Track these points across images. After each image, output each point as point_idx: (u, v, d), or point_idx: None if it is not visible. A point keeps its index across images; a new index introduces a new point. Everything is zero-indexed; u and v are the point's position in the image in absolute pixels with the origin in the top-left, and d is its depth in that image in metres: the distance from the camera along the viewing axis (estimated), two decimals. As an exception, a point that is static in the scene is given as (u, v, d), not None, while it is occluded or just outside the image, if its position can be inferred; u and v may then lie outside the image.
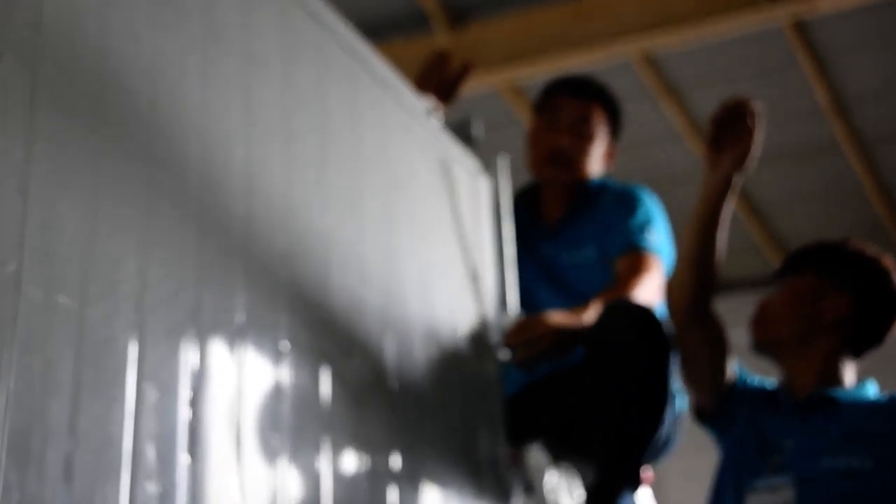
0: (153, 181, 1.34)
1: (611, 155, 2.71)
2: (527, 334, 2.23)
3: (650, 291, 2.36)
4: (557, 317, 2.24)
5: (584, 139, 2.64)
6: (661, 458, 2.35)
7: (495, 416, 2.22)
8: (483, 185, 2.38)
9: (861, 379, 2.13)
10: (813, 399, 2.07)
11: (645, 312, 2.18)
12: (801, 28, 4.96)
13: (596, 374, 2.15)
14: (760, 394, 2.16)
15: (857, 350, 2.11)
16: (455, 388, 2.08)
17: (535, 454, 2.28)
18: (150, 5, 1.40)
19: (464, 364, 2.15)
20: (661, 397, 2.12)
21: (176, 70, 1.43)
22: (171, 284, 1.34)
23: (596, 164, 2.66)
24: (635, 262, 2.42)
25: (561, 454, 2.31)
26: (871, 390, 2.09)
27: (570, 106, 2.65)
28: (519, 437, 2.32)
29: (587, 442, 2.18)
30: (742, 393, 2.16)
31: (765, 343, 2.13)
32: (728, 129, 2.02)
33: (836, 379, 2.08)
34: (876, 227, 6.81)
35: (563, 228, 2.63)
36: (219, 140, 1.50)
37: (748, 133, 2.00)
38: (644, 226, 2.50)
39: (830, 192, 6.52)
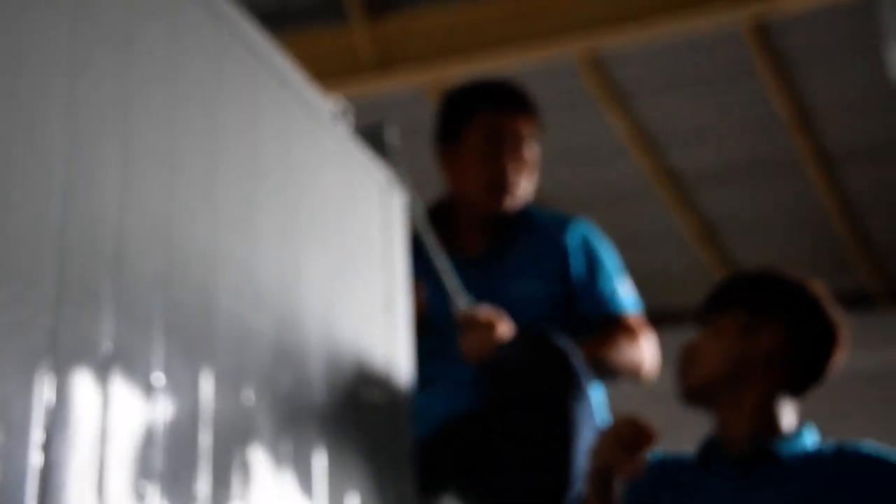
0: (5, 182, 1.31)
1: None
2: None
3: (650, 351, 2.65)
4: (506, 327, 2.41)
5: (528, 164, 2.68)
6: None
7: (403, 461, 2.21)
8: (396, 199, 2.37)
9: (800, 422, 2.15)
10: (750, 455, 2.07)
11: (547, 341, 2.23)
12: (762, 31, 5.05)
13: (502, 415, 2.20)
14: (672, 466, 2.16)
15: (796, 388, 2.13)
16: (358, 429, 2.07)
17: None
18: None
19: (368, 401, 2.13)
20: (571, 437, 2.15)
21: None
22: (24, 308, 1.31)
23: (531, 187, 2.71)
24: (621, 327, 2.64)
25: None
26: (811, 437, 2.11)
27: (513, 125, 2.67)
28: (430, 487, 2.32)
29: (502, 492, 2.20)
30: (651, 484, 2.10)
31: (693, 391, 2.15)
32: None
33: (774, 424, 2.10)
34: (837, 253, 6.95)
35: (494, 258, 2.67)
36: (89, 137, 1.47)
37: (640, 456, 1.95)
38: (612, 280, 2.67)
39: (790, 214, 6.64)
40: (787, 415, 2.12)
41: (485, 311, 2.42)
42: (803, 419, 2.16)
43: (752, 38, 5.02)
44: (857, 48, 5.22)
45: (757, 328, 2.13)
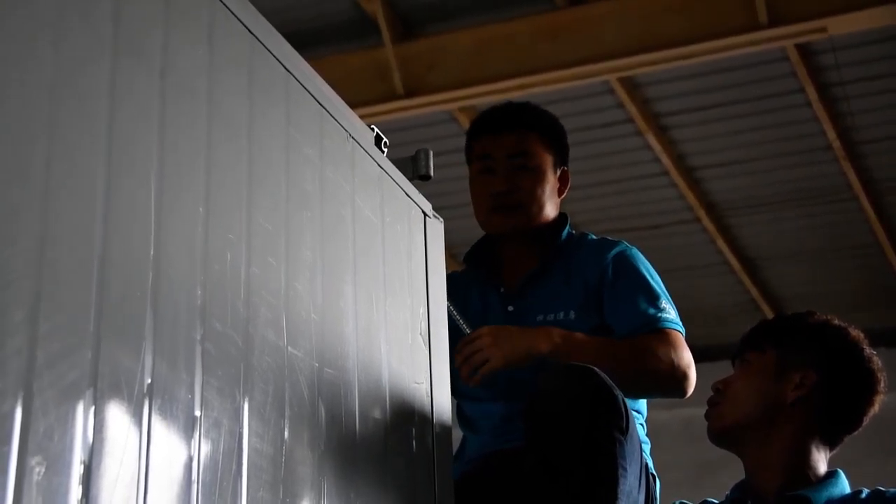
0: (47, 212, 1.34)
1: (562, 187, 2.80)
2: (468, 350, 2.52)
3: (686, 361, 2.53)
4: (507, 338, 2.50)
5: (527, 174, 2.72)
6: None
7: (443, 498, 2.23)
8: (434, 229, 2.40)
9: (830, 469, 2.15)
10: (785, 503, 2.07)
11: (585, 373, 2.23)
12: (806, 55, 5.08)
13: (541, 452, 2.21)
14: None
15: (829, 436, 2.14)
16: (396, 464, 2.09)
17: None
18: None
19: (408, 438, 2.16)
20: (616, 476, 2.15)
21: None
22: (66, 339, 1.34)
23: (549, 200, 2.73)
24: (657, 339, 2.57)
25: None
26: (841, 484, 2.11)
27: (501, 142, 2.73)
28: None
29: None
30: None
31: (723, 432, 2.16)
32: None
33: (807, 471, 2.10)
34: (890, 284, 6.92)
35: (527, 290, 2.71)
36: (125, 170, 1.50)
37: None
38: (653, 300, 2.64)
39: (838, 244, 6.63)
40: (821, 463, 2.13)
41: (481, 331, 2.51)
42: (838, 463, 2.17)
43: (799, 64, 5.06)
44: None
45: (789, 370, 2.14)
